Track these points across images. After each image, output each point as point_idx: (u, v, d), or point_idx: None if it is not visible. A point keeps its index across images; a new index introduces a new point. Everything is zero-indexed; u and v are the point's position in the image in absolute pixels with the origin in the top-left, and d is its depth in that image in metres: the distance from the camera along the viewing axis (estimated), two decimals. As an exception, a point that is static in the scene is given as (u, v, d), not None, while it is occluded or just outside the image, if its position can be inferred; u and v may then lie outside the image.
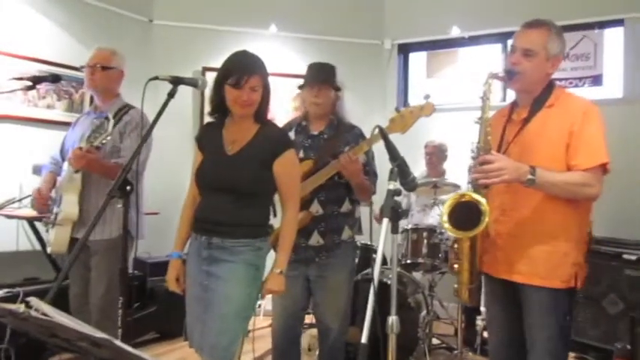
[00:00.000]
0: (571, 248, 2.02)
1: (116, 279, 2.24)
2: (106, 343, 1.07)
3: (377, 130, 2.04)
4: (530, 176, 1.91)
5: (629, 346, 3.15)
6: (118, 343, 1.07)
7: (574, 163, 1.98)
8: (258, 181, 2.17)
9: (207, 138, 2.29)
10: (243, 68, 2.10)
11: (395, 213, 1.60)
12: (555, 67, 2.11)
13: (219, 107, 2.21)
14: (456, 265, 2.13)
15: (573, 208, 2.02)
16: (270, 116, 2.29)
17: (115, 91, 2.94)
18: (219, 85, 2.16)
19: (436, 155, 4.42)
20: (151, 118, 2.09)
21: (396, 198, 1.74)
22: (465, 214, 2.01)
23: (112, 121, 2.54)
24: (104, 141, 2.53)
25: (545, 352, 2.02)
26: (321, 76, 2.65)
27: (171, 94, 1.97)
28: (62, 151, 2.96)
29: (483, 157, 1.98)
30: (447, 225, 2.05)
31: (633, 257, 3.47)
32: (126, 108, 2.89)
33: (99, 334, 1.09)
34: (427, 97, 2.41)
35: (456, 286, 2.16)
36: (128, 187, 1.86)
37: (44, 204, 2.82)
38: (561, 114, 2.03)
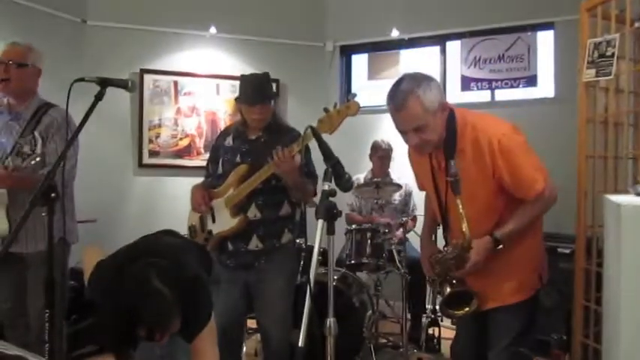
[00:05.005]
0: (535, 264, 2.16)
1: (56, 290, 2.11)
2: (18, 361, 1.01)
3: (309, 130, 2.02)
4: (495, 246, 2.01)
5: (564, 337, 3.26)
6: (31, 359, 1.01)
7: (520, 196, 2.04)
8: None
9: None
10: None
11: (330, 214, 1.59)
12: (446, 111, 2.02)
13: None
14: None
15: (532, 235, 2.13)
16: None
17: (32, 90, 2.76)
18: None
19: (387, 157, 4.44)
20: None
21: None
22: (456, 297, 2.11)
23: (40, 141, 2.41)
24: (33, 162, 2.40)
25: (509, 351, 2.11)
26: (260, 95, 2.58)
27: (98, 97, 1.88)
28: None
29: (465, 271, 2.04)
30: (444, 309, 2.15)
31: (567, 251, 3.59)
32: (44, 107, 2.71)
33: (11, 351, 1.03)
34: (353, 95, 2.37)
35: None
36: (53, 194, 1.76)
37: None
38: (476, 158, 2.01)
